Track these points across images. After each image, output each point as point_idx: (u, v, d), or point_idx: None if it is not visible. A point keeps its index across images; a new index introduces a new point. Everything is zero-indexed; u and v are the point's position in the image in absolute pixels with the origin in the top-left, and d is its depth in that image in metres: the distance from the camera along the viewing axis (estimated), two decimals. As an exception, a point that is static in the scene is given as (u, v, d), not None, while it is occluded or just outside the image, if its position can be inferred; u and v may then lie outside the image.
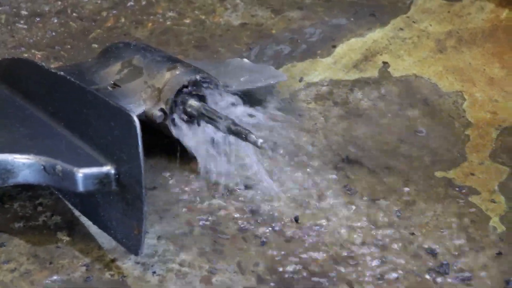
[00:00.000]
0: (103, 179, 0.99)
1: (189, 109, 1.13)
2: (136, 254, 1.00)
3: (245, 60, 1.35)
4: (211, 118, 1.11)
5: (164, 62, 1.17)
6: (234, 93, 1.17)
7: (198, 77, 1.14)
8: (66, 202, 1.09)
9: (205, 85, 1.14)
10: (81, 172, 0.98)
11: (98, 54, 1.30)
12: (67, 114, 1.06)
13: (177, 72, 1.13)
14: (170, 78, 1.13)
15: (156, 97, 1.13)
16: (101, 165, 0.99)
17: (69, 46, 1.44)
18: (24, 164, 0.99)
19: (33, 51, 1.41)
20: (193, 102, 1.13)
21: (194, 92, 1.14)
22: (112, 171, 0.99)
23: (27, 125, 1.07)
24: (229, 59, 1.38)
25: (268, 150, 1.09)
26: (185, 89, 1.13)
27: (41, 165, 0.99)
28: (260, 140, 1.06)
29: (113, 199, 1.00)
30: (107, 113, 1.00)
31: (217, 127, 1.11)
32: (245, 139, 1.08)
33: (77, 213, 1.07)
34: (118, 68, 1.20)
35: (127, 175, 0.97)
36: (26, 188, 1.09)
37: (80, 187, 0.98)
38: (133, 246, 1.00)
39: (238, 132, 1.08)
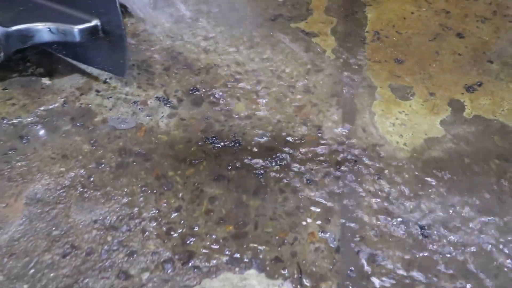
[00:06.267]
0: (93, 30, 1.03)
1: None
2: (123, 76, 1.07)
3: None
4: None
5: None
6: None
7: None
8: (58, 54, 1.11)
9: None
10: (77, 28, 1.01)
11: None
12: None
13: None
14: None
15: None
16: (89, 21, 1.02)
17: None
18: (36, 29, 1.02)
19: None
20: None
21: None
22: (98, 23, 1.02)
23: (18, 3, 1.07)
24: None
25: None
26: None
27: (48, 28, 1.00)
28: None
29: (100, 43, 1.05)
30: None
31: None
32: None
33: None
34: None
35: (109, 23, 1.02)
36: (20, 51, 1.12)
37: (78, 38, 1.03)
38: (120, 71, 1.07)
39: None
